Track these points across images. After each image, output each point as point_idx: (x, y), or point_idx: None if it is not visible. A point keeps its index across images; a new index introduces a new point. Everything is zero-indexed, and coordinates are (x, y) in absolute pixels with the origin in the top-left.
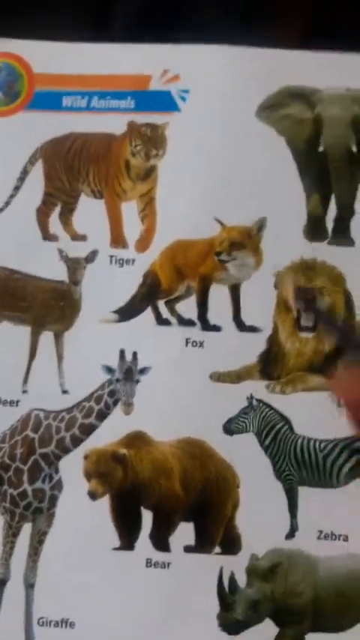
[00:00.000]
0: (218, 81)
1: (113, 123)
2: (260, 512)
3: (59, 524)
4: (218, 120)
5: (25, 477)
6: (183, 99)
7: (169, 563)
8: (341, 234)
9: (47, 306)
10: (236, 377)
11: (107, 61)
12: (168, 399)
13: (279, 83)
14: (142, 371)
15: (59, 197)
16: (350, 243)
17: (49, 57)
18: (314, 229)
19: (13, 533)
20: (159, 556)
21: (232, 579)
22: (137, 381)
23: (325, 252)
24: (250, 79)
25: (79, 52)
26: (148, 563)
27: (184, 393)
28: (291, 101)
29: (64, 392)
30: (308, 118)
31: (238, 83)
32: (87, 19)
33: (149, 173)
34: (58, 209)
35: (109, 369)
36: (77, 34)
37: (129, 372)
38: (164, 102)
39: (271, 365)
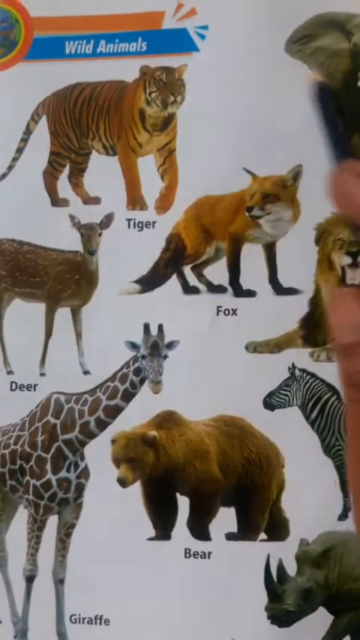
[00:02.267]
0: (241, 13)
1: (124, 69)
2: (309, 493)
3: (88, 515)
4: (243, 58)
5: (48, 466)
6: (201, 37)
7: (209, 553)
8: None
9: (62, 280)
10: (276, 346)
11: None
12: (200, 374)
13: (309, 11)
14: (170, 345)
15: (67, 156)
16: None
17: None
18: None
19: (38, 527)
20: (198, 545)
21: (281, 567)
22: (165, 357)
23: None
24: (277, 9)
25: None
26: (187, 553)
27: (218, 367)
28: (324, 31)
29: (86, 372)
30: (345, 49)
31: (263, 14)
32: None
33: (167, 123)
34: (66, 170)
35: (134, 345)
36: None
37: (155, 347)
38: (180, 41)
39: (314, 330)
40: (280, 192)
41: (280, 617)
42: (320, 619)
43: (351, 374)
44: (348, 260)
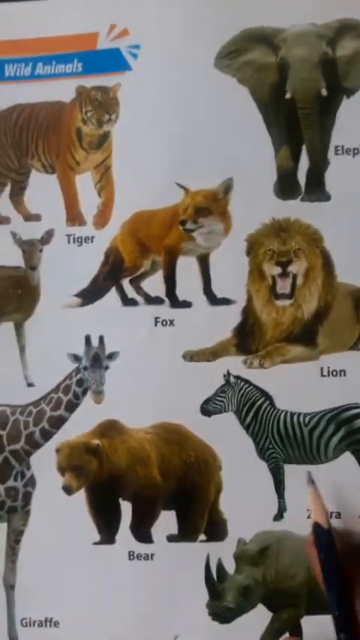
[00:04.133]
0: (170, 31)
1: (61, 90)
2: (245, 495)
3: (35, 521)
4: (174, 75)
5: None
6: (134, 56)
7: (152, 555)
8: (315, 189)
9: (4, 296)
10: (211, 354)
11: (49, 21)
12: (140, 383)
13: (236, 26)
14: (111, 356)
15: (8, 175)
16: (325, 197)
17: None
18: (285, 186)
19: None
20: (142, 548)
21: (220, 566)
22: (106, 368)
23: (298, 209)
24: (205, 25)
25: (19, 12)
26: (131, 555)
27: (157, 375)
28: (251, 45)
29: (30, 384)
30: (272, 63)
31: (192, 31)
32: None
33: (103, 141)
34: (7, 189)
35: (76, 357)
36: None
37: (96, 358)
38: (114, 61)
39: (247, 338)
40: (212, 205)
41: (221, 613)
42: (261, 615)
43: None
44: (278, 270)
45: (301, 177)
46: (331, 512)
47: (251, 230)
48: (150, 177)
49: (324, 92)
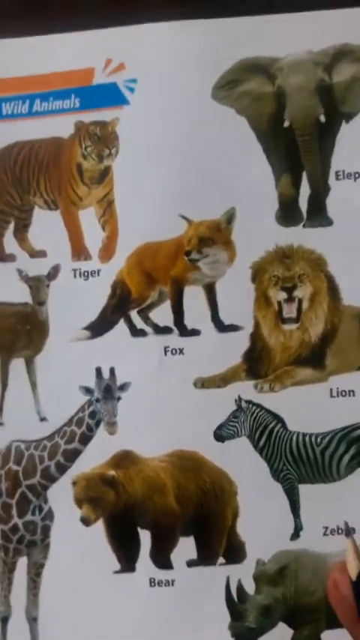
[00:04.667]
0: (166, 64)
1: (60, 125)
2: (262, 517)
3: (55, 554)
4: (171, 108)
5: (14, 511)
6: (131, 90)
7: (173, 580)
8: (317, 215)
9: (13, 332)
10: (221, 380)
11: (46, 57)
12: (152, 412)
13: (232, 57)
14: (122, 387)
15: (11, 213)
16: (328, 222)
17: None
18: (288, 213)
19: (9, 569)
20: (162, 574)
21: (240, 588)
22: (118, 399)
23: (301, 236)
24: (201, 57)
25: (14, 50)
26: (152, 582)
27: (169, 404)
28: (248, 75)
29: (42, 419)
30: (269, 92)
31: (188, 63)
32: (19, 11)
33: (104, 175)
34: (11, 227)
35: (87, 390)
36: (8, 29)
37: (108, 390)
38: (111, 95)
39: (256, 363)
40: (215, 235)
41: (243, 634)
42: (282, 633)
43: None
44: (283, 295)
45: (303, 203)
46: (348, 527)
47: (255, 258)
48: (153, 209)
49: (322, 118)
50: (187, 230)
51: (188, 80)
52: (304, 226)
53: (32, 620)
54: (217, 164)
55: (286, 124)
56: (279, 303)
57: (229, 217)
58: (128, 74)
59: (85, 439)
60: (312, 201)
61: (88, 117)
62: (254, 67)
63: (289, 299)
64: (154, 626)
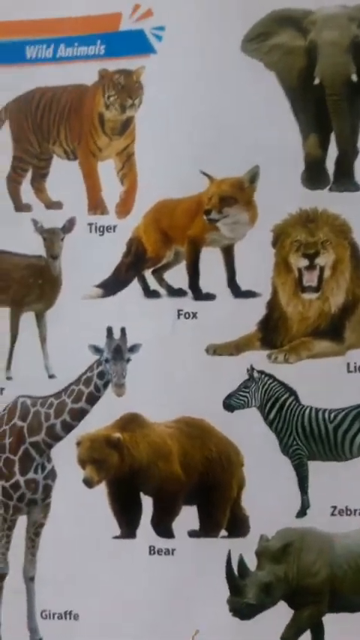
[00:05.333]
0: (196, 12)
1: (83, 72)
2: (268, 491)
3: (55, 514)
4: (199, 59)
5: (16, 468)
6: (158, 38)
7: (173, 550)
8: (344, 178)
9: (26, 285)
10: (234, 348)
11: (71, 0)
12: (162, 377)
13: (264, 8)
14: (132, 349)
15: (30, 161)
16: (355, 187)
17: (6, 1)
18: (313, 175)
19: (8, 526)
20: (162, 543)
21: (242, 562)
22: (128, 360)
23: (326, 199)
24: (231, 7)
25: None
26: (152, 550)
27: (179, 369)
28: (279, 28)
29: (51, 376)
30: (300, 46)
31: (218, 13)
32: None
33: (126, 126)
34: (29, 176)
35: (97, 349)
36: None
37: (118, 350)
38: (138, 43)
39: (272, 332)
40: (238, 194)
41: (242, 610)
42: (282, 612)
43: None
44: (305, 262)
45: (330, 165)
46: (355, 509)
47: (277, 220)
48: (174, 164)
49: (354, 78)
50: (208, 187)
51: (217, 31)
52: (330, 190)
53: (29, 580)
54: (243, 120)
55: (317, 81)
56: (299, 270)
57: (253, 176)
58: (156, 21)
59: (93, 399)
60: (339, 164)
61: (113, 64)
62: (286, 20)
63: (311, 266)
64: (151, 594)
